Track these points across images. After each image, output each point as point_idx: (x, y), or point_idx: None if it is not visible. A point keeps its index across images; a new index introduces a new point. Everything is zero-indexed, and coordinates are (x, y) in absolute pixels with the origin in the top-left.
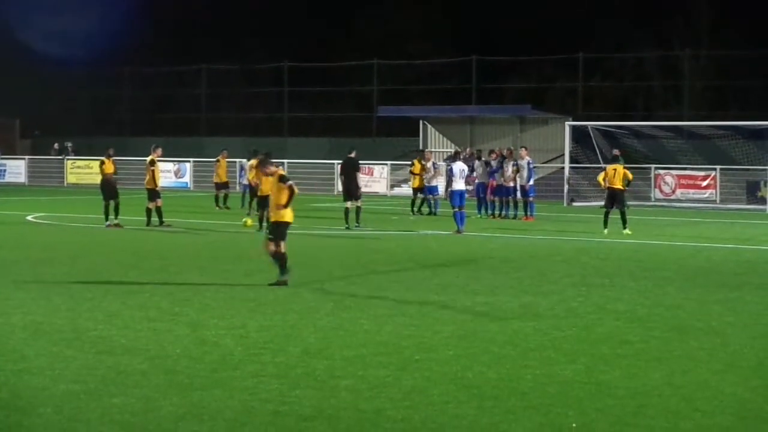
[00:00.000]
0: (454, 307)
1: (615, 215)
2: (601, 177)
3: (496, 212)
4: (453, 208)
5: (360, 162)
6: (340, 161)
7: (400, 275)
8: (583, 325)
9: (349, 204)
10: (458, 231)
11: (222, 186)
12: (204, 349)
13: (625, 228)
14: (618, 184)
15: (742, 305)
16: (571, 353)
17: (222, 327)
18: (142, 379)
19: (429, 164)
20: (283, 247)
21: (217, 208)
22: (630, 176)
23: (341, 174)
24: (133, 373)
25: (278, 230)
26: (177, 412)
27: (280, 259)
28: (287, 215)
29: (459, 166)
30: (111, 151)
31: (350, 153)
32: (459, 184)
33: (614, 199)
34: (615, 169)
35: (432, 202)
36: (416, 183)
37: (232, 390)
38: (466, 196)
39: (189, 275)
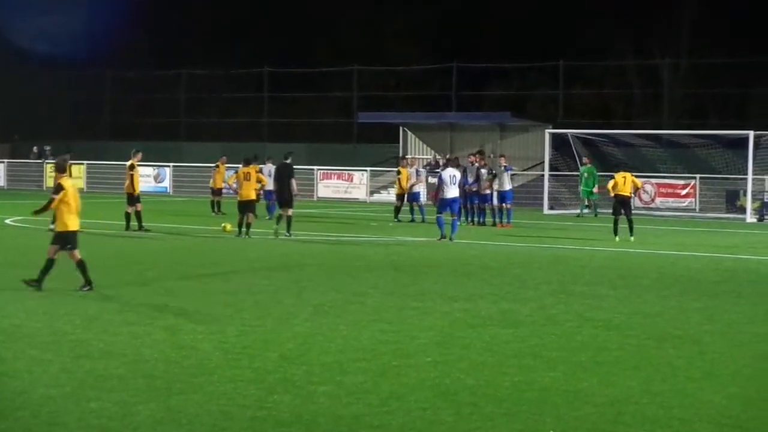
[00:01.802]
0: (433, 314)
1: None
2: (610, 185)
3: (472, 219)
4: (438, 214)
5: (339, 168)
6: (321, 167)
7: (378, 281)
8: (561, 332)
9: (281, 211)
10: (442, 237)
11: (218, 192)
12: (182, 353)
13: (632, 235)
14: (627, 192)
15: (720, 314)
16: (550, 360)
17: (200, 332)
18: (119, 383)
19: (412, 170)
20: (78, 254)
21: (213, 213)
22: (639, 184)
23: (275, 180)
24: (110, 378)
25: (62, 239)
26: (155, 417)
27: (80, 267)
28: (70, 224)
29: (449, 173)
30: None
31: (286, 158)
32: (451, 192)
33: (625, 206)
34: (624, 177)
35: (416, 208)
36: (400, 189)
37: (209, 395)
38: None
39: (167, 280)
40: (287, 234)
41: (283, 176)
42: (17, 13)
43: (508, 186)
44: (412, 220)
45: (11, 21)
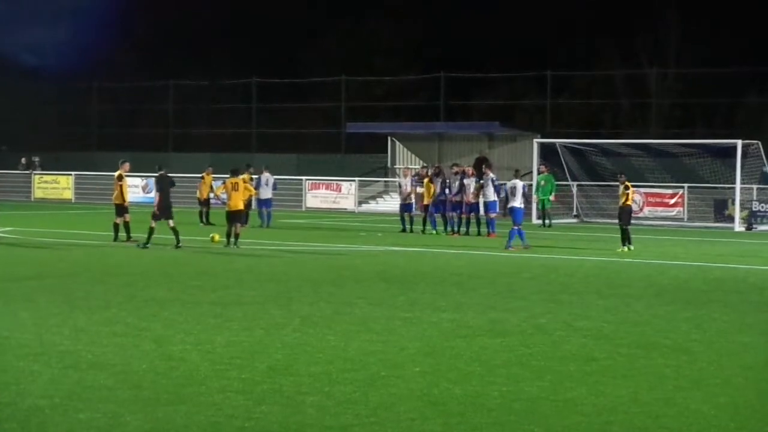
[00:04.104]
0: (421, 324)
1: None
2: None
3: (455, 229)
4: (515, 225)
5: (327, 178)
6: (310, 177)
7: (367, 292)
8: (550, 341)
9: (171, 222)
10: (525, 247)
11: (205, 203)
12: (170, 364)
13: (623, 245)
14: (629, 202)
15: (709, 323)
16: (538, 370)
17: (188, 342)
18: (108, 394)
19: (406, 181)
20: None
21: (201, 224)
22: (632, 195)
23: (159, 190)
24: (99, 389)
25: None
26: (143, 428)
27: None
28: None
29: (509, 185)
30: None
31: (162, 169)
32: (512, 202)
33: (625, 215)
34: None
35: (407, 218)
36: (425, 200)
37: (198, 406)
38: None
39: (155, 291)
40: (178, 246)
41: (164, 187)
42: (3, 24)
43: (493, 197)
44: (404, 230)
45: None
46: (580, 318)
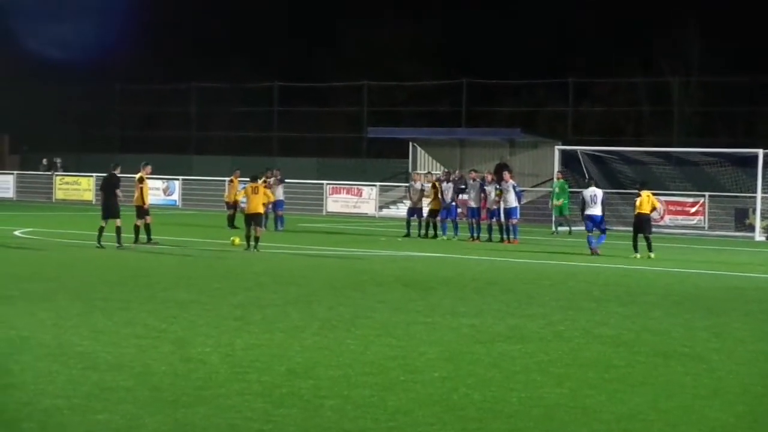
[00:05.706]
0: (441, 329)
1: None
2: (636, 203)
3: (475, 235)
4: (588, 231)
5: (348, 183)
6: (331, 182)
7: (386, 296)
8: (569, 348)
9: (118, 222)
10: (593, 251)
11: (233, 205)
12: (189, 366)
13: (651, 252)
14: (646, 210)
15: (728, 332)
16: (557, 377)
17: (208, 345)
18: (126, 395)
19: (417, 185)
20: None
21: (233, 227)
22: (656, 204)
23: (102, 191)
24: (117, 390)
25: None
26: (161, 429)
27: None
28: None
29: (590, 192)
30: None
31: (114, 169)
32: (593, 209)
33: (643, 224)
34: (648, 196)
35: (415, 224)
36: (434, 204)
37: (217, 408)
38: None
39: (175, 293)
40: (119, 245)
41: (107, 188)
42: (24, 28)
43: (514, 203)
44: (410, 234)
45: (21, 33)
46: (600, 325)
